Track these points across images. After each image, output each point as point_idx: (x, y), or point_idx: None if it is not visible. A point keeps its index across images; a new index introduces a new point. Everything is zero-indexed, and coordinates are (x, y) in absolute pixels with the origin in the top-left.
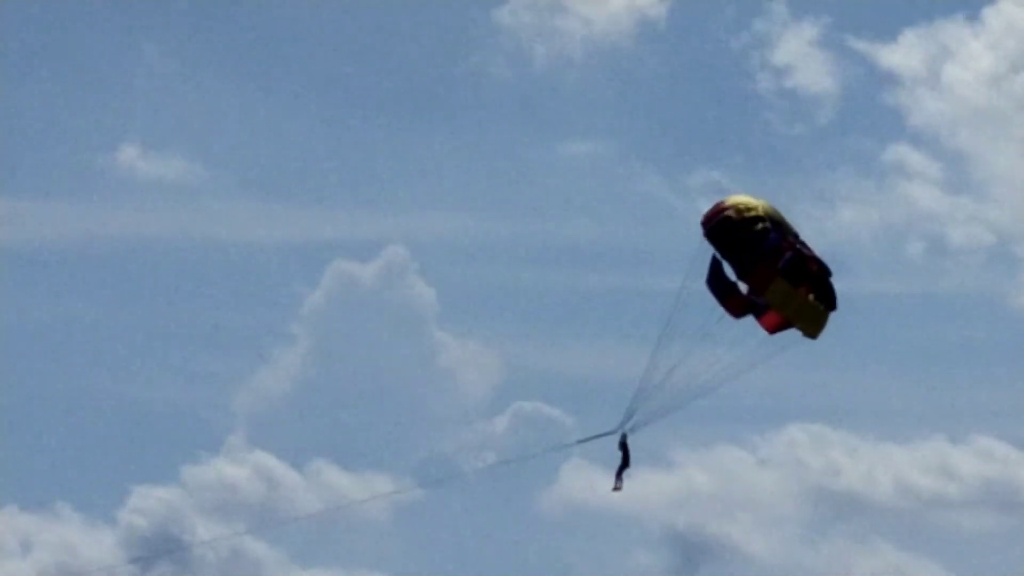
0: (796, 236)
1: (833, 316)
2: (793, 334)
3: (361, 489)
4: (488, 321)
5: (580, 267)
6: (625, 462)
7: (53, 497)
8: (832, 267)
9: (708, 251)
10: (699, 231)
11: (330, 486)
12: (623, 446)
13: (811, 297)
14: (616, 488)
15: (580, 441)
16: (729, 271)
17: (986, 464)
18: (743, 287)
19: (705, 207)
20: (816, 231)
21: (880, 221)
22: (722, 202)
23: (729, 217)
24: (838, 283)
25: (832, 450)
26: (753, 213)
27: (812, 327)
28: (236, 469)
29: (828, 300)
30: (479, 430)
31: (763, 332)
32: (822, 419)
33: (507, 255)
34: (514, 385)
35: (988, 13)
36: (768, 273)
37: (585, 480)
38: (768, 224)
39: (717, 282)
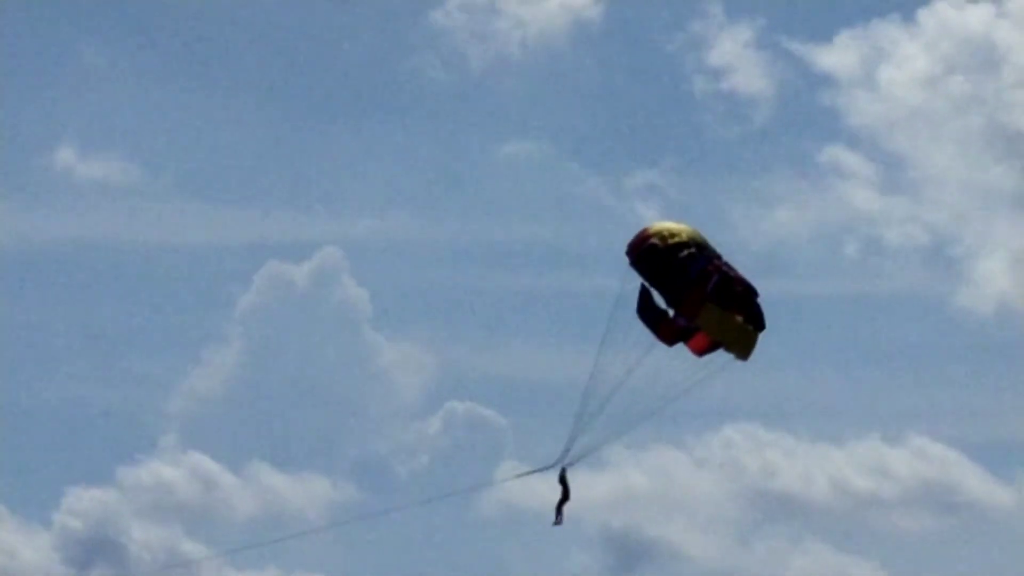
0: (720, 258)
1: (770, 316)
2: (722, 355)
3: (297, 490)
4: (422, 322)
5: (516, 269)
6: (565, 496)
7: None
8: (768, 267)
9: (636, 277)
10: (634, 233)
11: (266, 487)
12: (562, 480)
13: (740, 320)
14: (557, 523)
15: (519, 475)
16: (658, 299)
17: (922, 464)
18: (671, 313)
19: (642, 209)
20: (752, 232)
21: (816, 222)
22: (645, 230)
23: (654, 245)
24: (775, 283)
25: (768, 451)
26: (677, 239)
27: (743, 350)
28: (172, 470)
29: (757, 321)
30: (413, 431)
31: (692, 356)
32: (758, 420)
33: (441, 257)
34: (447, 386)
35: (923, 14)
36: (698, 299)
37: (520, 482)
38: (694, 249)
39: (647, 311)
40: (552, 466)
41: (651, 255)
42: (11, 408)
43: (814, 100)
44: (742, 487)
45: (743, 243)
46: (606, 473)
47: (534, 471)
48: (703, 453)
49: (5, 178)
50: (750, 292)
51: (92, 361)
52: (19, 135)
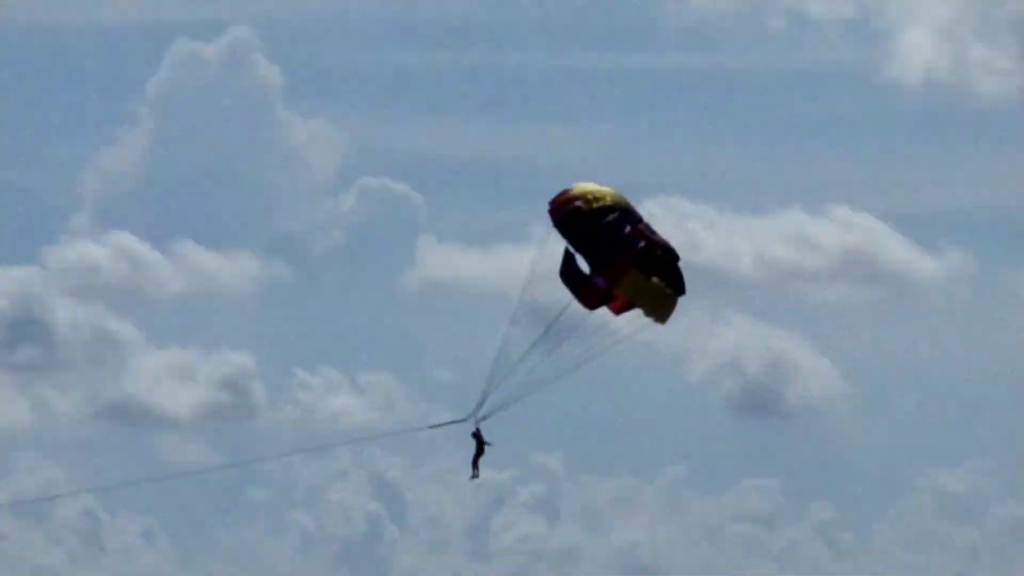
0: (642, 221)
1: (696, 89)
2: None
3: (225, 268)
4: (334, 99)
5: (430, 44)
6: (479, 450)
7: None
8: (693, 42)
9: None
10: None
11: (193, 264)
12: (476, 435)
13: (662, 285)
14: (474, 476)
15: (432, 426)
16: (582, 263)
17: (846, 235)
18: (593, 276)
19: None
20: (677, 7)
21: None
22: (568, 191)
23: (579, 208)
24: (701, 58)
25: (691, 223)
26: (602, 203)
27: (662, 314)
28: (96, 248)
29: (677, 286)
30: (327, 207)
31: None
32: (680, 192)
33: (353, 33)
34: (360, 162)
35: None
36: (622, 265)
37: (442, 258)
38: (618, 214)
39: (570, 275)
40: (466, 419)
41: (575, 219)
42: None
43: None
44: None
45: (669, 18)
46: (529, 245)
47: (448, 423)
48: None
49: None
50: (672, 256)
51: (5, 143)
52: None
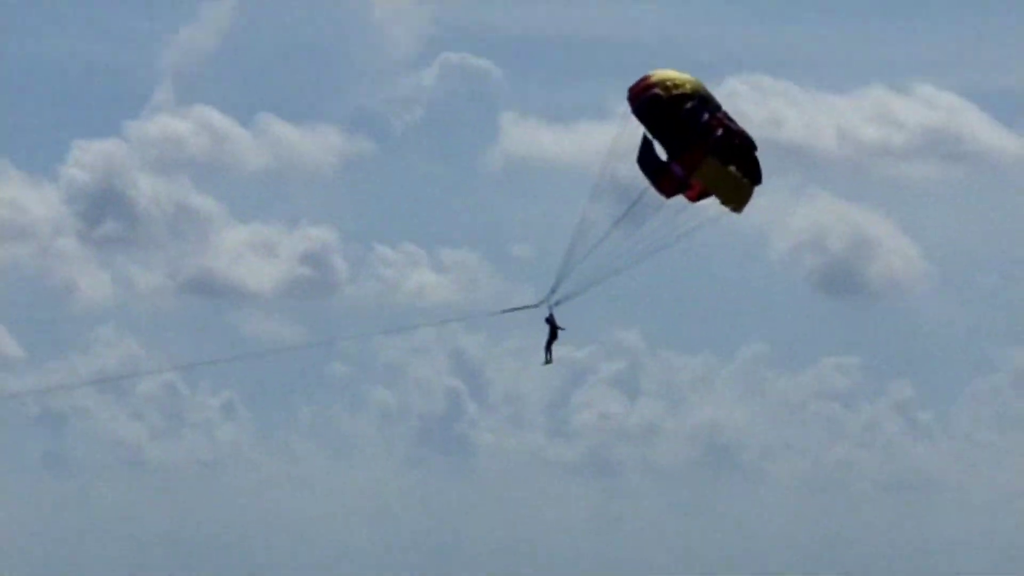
0: (720, 109)
1: None
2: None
3: (307, 142)
4: None
5: None
6: (552, 335)
7: None
8: None
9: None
10: None
11: (275, 138)
12: (549, 320)
13: (739, 174)
14: (547, 362)
15: (505, 311)
16: (660, 150)
17: (929, 113)
18: (670, 164)
19: None
20: None
21: None
22: (647, 77)
23: (658, 96)
24: None
25: (774, 100)
26: (681, 91)
27: (739, 203)
28: (178, 123)
29: (754, 175)
30: (408, 83)
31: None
32: (763, 69)
33: None
34: (442, 37)
35: None
36: (699, 153)
37: (523, 134)
38: (696, 103)
39: (648, 162)
40: (539, 304)
41: (654, 106)
42: (8, 65)
43: None
44: None
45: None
46: (610, 123)
47: (521, 307)
48: None
49: None
50: (749, 145)
51: (87, 17)
52: None
